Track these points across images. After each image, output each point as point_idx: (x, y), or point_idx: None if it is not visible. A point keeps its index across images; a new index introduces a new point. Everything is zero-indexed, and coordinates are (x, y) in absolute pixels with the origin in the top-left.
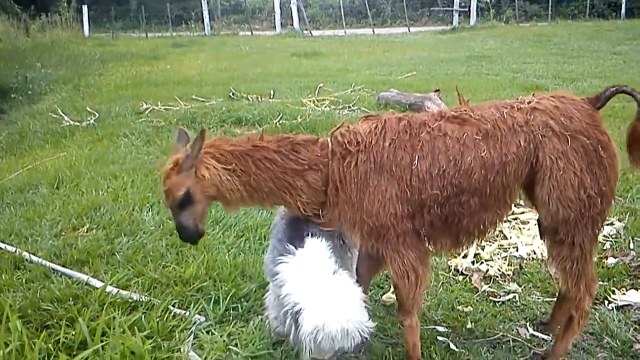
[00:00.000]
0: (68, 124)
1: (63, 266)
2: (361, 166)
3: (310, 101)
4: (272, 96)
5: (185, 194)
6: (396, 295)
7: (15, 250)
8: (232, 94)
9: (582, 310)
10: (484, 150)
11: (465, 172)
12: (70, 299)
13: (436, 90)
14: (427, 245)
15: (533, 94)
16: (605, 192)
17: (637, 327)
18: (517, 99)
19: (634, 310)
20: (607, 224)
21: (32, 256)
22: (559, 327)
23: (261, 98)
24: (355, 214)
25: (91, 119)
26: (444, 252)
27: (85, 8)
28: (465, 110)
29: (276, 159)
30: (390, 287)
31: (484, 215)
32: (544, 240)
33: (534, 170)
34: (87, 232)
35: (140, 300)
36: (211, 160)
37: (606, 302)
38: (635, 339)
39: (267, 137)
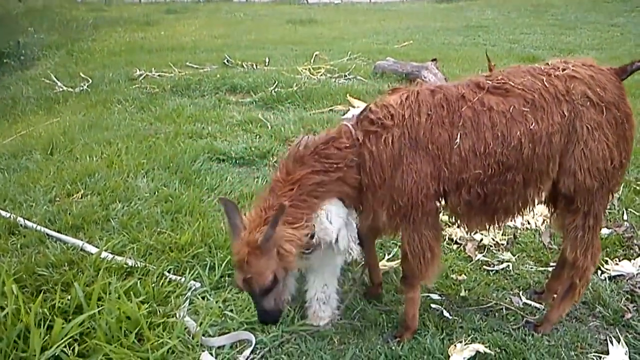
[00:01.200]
0: (61, 89)
1: (58, 232)
2: (396, 142)
3: (305, 69)
4: (267, 64)
5: (274, 279)
6: (403, 269)
7: (10, 216)
8: (227, 61)
9: (586, 279)
10: (532, 123)
11: (514, 147)
12: (66, 264)
13: (433, 60)
14: (459, 223)
15: (561, 60)
16: (624, 164)
17: (629, 296)
18: (547, 63)
19: (626, 280)
20: None
21: (26, 221)
22: (553, 296)
23: (256, 65)
24: (386, 192)
25: (84, 84)
26: (477, 229)
27: None
28: (503, 79)
29: (323, 179)
30: (384, 255)
31: (526, 191)
32: (551, 209)
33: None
34: (81, 198)
35: (136, 266)
36: (288, 229)
37: (599, 272)
38: (627, 308)
39: (294, 163)
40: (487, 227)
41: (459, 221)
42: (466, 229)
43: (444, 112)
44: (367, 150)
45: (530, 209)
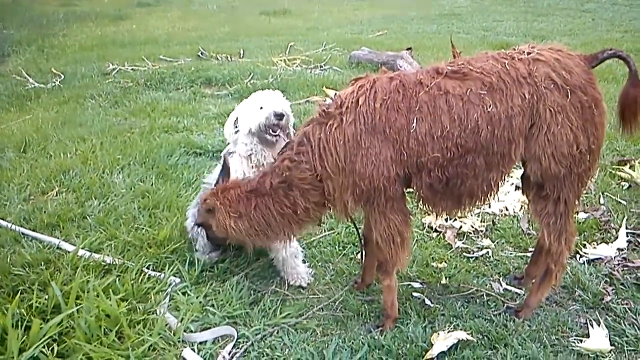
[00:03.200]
0: (33, 86)
1: (33, 230)
2: (348, 128)
3: (281, 60)
4: (241, 56)
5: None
6: (377, 256)
7: None
8: (201, 54)
9: (561, 264)
10: (489, 105)
11: (471, 130)
12: (42, 263)
13: (408, 49)
14: (419, 208)
15: (529, 45)
16: (594, 149)
17: (608, 279)
18: (514, 49)
19: (605, 263)
20: None
21: (1, 221)
22: (532, 281)
23: (231, 58)
24: (348, 177)
25: (56, 80)
26: (444, 214)
27: None
28: (463, 64)
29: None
30: None
31: (488, 174)
32: (526, 195)
33: (529, 123)
34: (56, 195)
35: (114, 263)
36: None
37: (577, 256)
38: (606, 291)
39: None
40: (455, 211)
41: (425, 205)
42: (434, 214)
43: (399, 97)
44: (315, 141)
45: (495, 193)
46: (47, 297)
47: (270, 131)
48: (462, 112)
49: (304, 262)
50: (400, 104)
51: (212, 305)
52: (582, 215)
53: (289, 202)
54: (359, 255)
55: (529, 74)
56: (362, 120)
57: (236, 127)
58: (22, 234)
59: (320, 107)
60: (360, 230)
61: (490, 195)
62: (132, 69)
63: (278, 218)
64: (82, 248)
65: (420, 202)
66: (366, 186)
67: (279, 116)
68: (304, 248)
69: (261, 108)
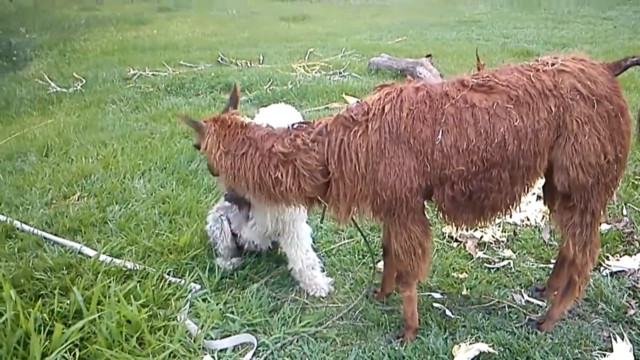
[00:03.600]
0: (55, 90)
1: (55, 235)
2: (372, 136)
3: (300, 66)
4: (261, 61)
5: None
6: (397, 267)
7: (6, 219)
8: (221, 59)
9: (584, 276)
10: (516, 119)
11: (497, 144)
12: (64, 268)
13: (428, 56)
14: (440, 220)
15: (552, 55)
16: (621, 158)
17: (631, 292)
18: (537, 60)
19: (628, 276)
20: None
21: (23, 225)
22: (554, 293)
23: (250, 63)
24: (368, 185)
25: (78, 85)
26: (465, 227)
27: None
28: (488, 77)
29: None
30: None
31: (513, 188)
32: (549, 206)
33: (556, 135)
34: (78, 200)
35: (135, 268)
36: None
37: (600, 268)
38: (629, 304)
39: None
40: (475, 224)
41: (446, 218)
42: (454, 226)
43: (426, 108)
44: (336, 141)
45: (518, 205)
46: (68, 302)
47: None
48: (489, 125)
49: (322, 271)
50: (426, 115)
51: (232, 313)
52: (604, 227)
53: (275, 174)
54: (378, 264)
55: (554, 86)
56: (387, 128)
57: None
58: (44, 238)
59: (346, 110)
60: (367, 235)
61: (514, 207)
62: (152, 74)
63: (256, 179)
64: (104, 253)
65: (441, 214)
66: (388, 196)
67: None
68: (322, 256)
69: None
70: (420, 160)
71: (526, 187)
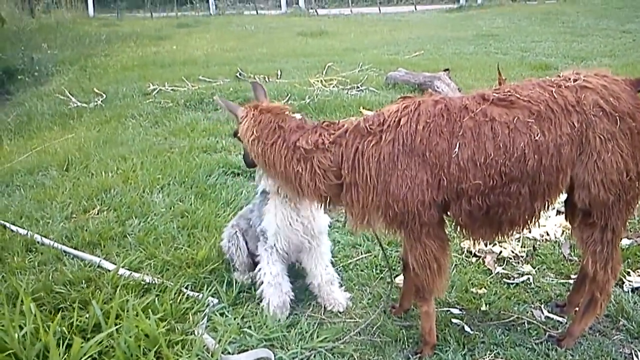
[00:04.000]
0: (75, 105)
1: (75, 249)
2: (386, 147)
3: (317, 81)
4: (279, 76)
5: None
6: (415, 282)
7: (27, 233)
8: (239, 74)
9: (606, 293)
10: (537, 134)
11: (517, 159)
12: (83, 281)
13: (445, 70)
14: (462, 234)
15: (574, 71)
16: None
17: None
18: (558, 75)
19: None
20: None
21: (43, 239)
22: (575, 309)
23: (268, 78)
24: (380, 196)
25: (98, 100)
26: (482, 241)
27: None
28: (509, 92)
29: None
30: None
31: (533, 204)
32: (570, 221)
33: (577, 151)
34: (97, 214)
35: (153, 282)
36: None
37: (622, 284)
38: None
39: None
40: (493, 239)
41: (463, 232)
42: (471, 240)
43: (443, 122)
44: (351, 148)
45: (537, 220)
46: (87, 315)
47: None
48: (508, 140)
49: (340, 286)
50: (443, 128)
51: (250, 327)
52: (625, 242)
53: (297, 167)
54: (396, 279)
55: (577, 102)
56: (401, 140)
57: None
58: (64, 252)
59: (364, 119)
60: (385, 249)
61: (533, 223)
62: (172, 89)
63: (282, 169)
64: (122, 267)
65: (458, 228)
66: (399, 209)
67: None
68: (340, 271)
69: None
70: (435, 173)
71: (547, 203)
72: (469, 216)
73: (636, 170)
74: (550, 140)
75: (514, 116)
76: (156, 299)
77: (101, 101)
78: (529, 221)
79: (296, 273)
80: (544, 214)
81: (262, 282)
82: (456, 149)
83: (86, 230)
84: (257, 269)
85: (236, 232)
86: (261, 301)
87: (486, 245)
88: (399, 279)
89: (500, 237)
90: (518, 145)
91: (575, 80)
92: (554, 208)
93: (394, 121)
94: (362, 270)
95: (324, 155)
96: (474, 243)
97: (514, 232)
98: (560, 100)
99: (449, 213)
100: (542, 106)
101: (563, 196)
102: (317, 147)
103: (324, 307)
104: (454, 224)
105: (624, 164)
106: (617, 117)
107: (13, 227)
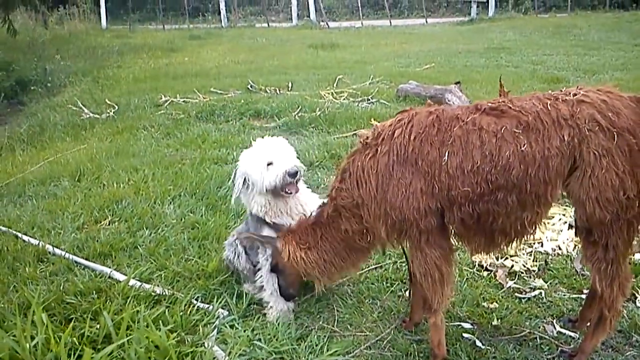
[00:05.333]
0: (88, 116)
1: (86, 259)
2: (381, 157)
3: (328, 93)
4: (290, 88)
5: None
6: (421, 292)
7: (39, 243)
8: (250, 87)
9: (615, 310)
10: (523, 144)
11: (502, 167)
12: (94, 292)
13: (457, 83)
14: (455, 243)
15: (578, 87)
16: None
17: None
18: (561, 90)
19: None
20: None
21: (55, 249)
22: (587, 324)
23: (279, 90)
24: (379, 205)
25: (111, 111)
26: (479, 252)
27: (102, 0)
28: (503, 102)
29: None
30: None
31: (522, 214)
32: (579, 237)
33: (573, 166)
34: (109, 225)
35: (164, 293)
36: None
37: (634, 299)
38: None
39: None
40: (490, 249)
41: (459, 241)
42: (469, 250)
43: (434, 131)
44: (354, 170)
45: (531, 233)
46: (98, 326)
47: (286, 190)
48: (494, 148)
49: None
50: (434, 138)
51: (260, 340)
52: (638, 257)
53: (343, 229)
54: (407, 293)
55: (571, 115)
56: (395, 151)
57: (247, 184)
58: (75, 262)
59: (360, 138)
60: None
61: (526, 235)
62: (183, 101)
63: (342, 245)
64: (133, 278)
65: (455, 237)
66: (397, 217)
67: (293, 175)
68: (349, 284)
69: (270, 164)
70: (428, 181)
71: (538, 215)
72: (462, 224)
73: (636, 189)
74: (537, 151)
75: (502, 125)
76: (166, 310)
77: (113, 112)
78: (522, 232)
79: (305, 285)
80: (538, 227)
81: (264, 289)
82: (445, 157)
83: (97, 240)
84: (257, 275)
85: (235, 240)
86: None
87: (497, 259)
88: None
89: (495, 248)
90: (504, 154)
91: (574, 95)
92: (565, 222)
93: (388, 134)
94: (372, 284)
95: (341, 196)
96: (472, 253)
97: (509, 244)
98: (554, 112)
99: (445, 221)
100: (532, 117)
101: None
102: (334, 198)
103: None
104: (452, 233)
105: (620, 181)
106: (615, 133)
107: (25, 237)
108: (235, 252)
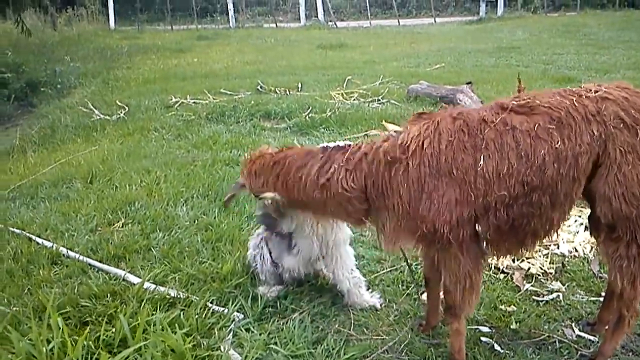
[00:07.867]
0: (98, 117)
1: (100, 262)
2: (413, 171)
3: (338, 94)
4: (299, 89)
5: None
6: (446, 299)
7: (52, 246)
8: (260, 87)
9: (634, 310)
10: (557, 142)
11: (538, 167)
12: (108, 295)
13: (468, 83)
14: (487, 250)
15: (595, 83)
16: None
17: None
18: (580, 86)
19: None
20: None
21: (69, 251)
22: (606, 327)
23: (289, 91)
24: (409, 220)
25: (121, 112)
26: (507, 255)
27: (110, 1)
28: (529, 98)
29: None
30: None
31: (552, 214)
32: (595, 237)
33: (596, 164)
34: (122, 227)
35: (178, 296)
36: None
37: None
38: None
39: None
40: (517, 252)
41: (488, 247)
42: (495, 256)
43: (465, 137)
44: (376, 175)
45: (556, 232)
46: (113, 330)
47: None
48: (530, 148)
49: (368, 289)
50: (466, 144)
51: (275, 343)
52: None
53: (319, 197)
54: (423, 296)
55: (597, 112)
56: (427, 163)
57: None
58: (89, 265)
59: (384, 141)
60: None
61: (552, 234)
62: (193, 102)
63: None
64: (147, 280)
65: (485, 243)
66: (429, 230)
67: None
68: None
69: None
70: (464, 189)
71: (565, 214)
72: (496, 230)
73: None
74: (569, 148)
75: (535, 123)
76: (181, 313)
77: (124, 114)
78: (549, 232)
79: (320, 288)
80: (562, 225)
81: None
82: (481, 162)
83: (111, 243)
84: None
85: (262, 239)
86: (287, 317)
87: (514, 262)
88: (425, 296)
89: (523, 250)
90: (539, 154)
91: (596, 92)
92: (581, 224)
93: (419, 145)
94: (387, 286)
95: (340, 183)
96: (498, 258)
97: (535, 245)
98: (581, 108)
99: (476, 229)
100: (563, 112)
101: (588, 211)
102: (335, 178)
103: (357, 309)
104: (484, 239)
105: None
106: (638, 129)
107: (39, 240)
108: (260, 254)
